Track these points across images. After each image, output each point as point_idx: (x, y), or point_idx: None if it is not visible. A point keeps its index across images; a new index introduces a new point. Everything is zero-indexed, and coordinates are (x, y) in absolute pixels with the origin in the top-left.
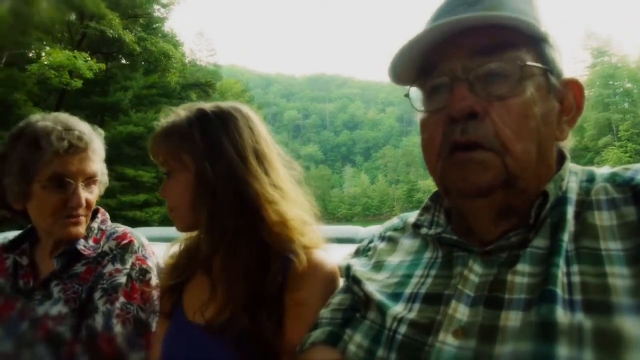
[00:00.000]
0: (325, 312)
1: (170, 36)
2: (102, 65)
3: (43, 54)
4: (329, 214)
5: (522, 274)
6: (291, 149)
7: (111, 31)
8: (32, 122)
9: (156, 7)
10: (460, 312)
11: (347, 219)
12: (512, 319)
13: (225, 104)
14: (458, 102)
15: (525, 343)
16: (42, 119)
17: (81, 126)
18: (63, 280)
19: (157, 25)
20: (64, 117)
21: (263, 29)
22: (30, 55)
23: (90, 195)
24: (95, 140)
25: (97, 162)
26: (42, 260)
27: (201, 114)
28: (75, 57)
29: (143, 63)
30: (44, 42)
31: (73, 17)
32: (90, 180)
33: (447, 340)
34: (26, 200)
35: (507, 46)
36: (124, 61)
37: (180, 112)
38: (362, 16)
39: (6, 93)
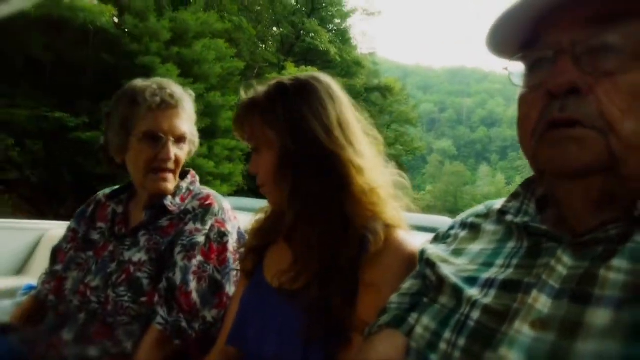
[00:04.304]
0: (393, 297)
1: (348, 38)
2: None
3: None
4: (460, 211)
5: (617, 270)
6: (425, 142)
7: (322, 45)
8: (133, 83)
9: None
10: (542, 303)
11: None
12: (600, 316)
13: (303, 75)
14: (558, 76)
15: (612, 343)
16: (142, 81)
17: (173, 87)
18: (149, 231)
19: (348, 37)
20: (160, 79)
21: (403, 18)
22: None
23: (179, 151)
24: (186, 101)
25: (186, 121)
26: (135, 211)
27: (281, 88)
28: (307, 70)
29: (338, 69)
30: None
31: (287, 33)
32: (180, 138)
33: (523, 330)
34: (124, 153)
35: (623, 16)
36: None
37: (259, 88)
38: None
39: None
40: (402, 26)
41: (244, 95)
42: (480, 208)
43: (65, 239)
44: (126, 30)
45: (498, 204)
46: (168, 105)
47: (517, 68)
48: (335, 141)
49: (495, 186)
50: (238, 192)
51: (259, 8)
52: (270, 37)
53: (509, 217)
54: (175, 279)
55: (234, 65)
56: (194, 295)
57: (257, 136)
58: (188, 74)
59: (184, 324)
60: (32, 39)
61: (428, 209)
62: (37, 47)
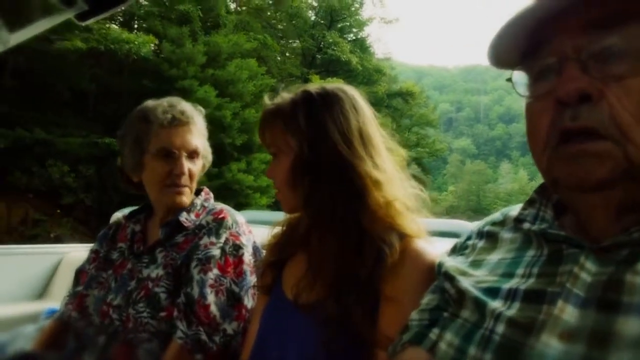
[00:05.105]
0: (413, 314)
1: (367, 47)
2: None
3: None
4: (484, 210)
5: None
6: (444, 142)
7: (344, 56)
8: (144, 104)
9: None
10: (568, 313)
11: None
12: (631, 325)
13: (330, 86)
14: (567, 83)
15: None
16: (153, 101)
17: (184, 104)
18: (166, 248)
19: (367, 45)
20: (170, 98)
21: (414, 21)
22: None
23: (193, 166)
24: (197, 117)
25: (198, 137)
26: (152, 229)
27: (306, 96)
28: (332, 81)
29: (360, 78)
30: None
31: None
32: (193, 153)
33: (551, 343)
34: (140, 171)
35: (627, 17)
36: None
37: (285, 95)
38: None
39: None
40: (413, 28)
41: (267, 101)
42: (496, 215)
43: (88, 260)
44: (164, 56)
45: (514, 210)
46: (179, 122)
47: (520, 78)
48: (354, 152)
49: (518, 183)
50: (276, 203)
51: (281, 24)
52: (291, 51)
53: (526, 225)
54: (193, 293)
55: (266, 82)
56: (213, 308)
57: (277, 142)
58: (224, 93)
59: (203, 337)
60: (79, 71)
61: (451, 209)
62: (83, 79)
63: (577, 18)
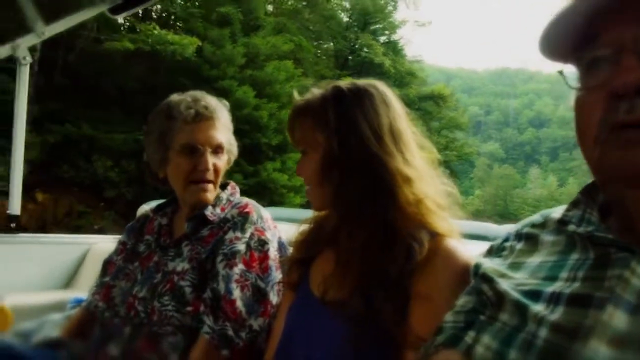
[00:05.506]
0: (448, 316)
1: (400, 49)
2: None
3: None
4: (511, 215)
5: None
6: (473, 146)
7: (377, 58)
8: (169, 99)
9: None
10: (618, 319)
11: None
12: None
13: (361, 81)
14: (624, 74)
15: None
16: (177, 95)
17: (208, 98)
18: (191, 241)
19: (401, 48)
20: (194, 92)
21: (443, 23)
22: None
23: (218, 161)
24: (222, 111)
25: (223, 132)
26: (178, 223)
27: (336, 92)
28: None
29: (392, 80)
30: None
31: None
32: (217, 148)
33: (600, 349)
34: (165, 167)
35: None
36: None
37: (315, 91)
38: (552, 3)
39: None
40: (441, 30)
41: (297, 97)
42: (536, 217)
43: (115, 251)
44: (205, 57)
45: (556, 212)
46: (203, 117)
47: (571, 70)
48: (384, 148)
49: (547, 189)
50: (309, 203)
51: (315, 26)
52: (324, 53)
53: (571, 227)
54: (219, 288)
55: (302, 84)
56: (239, 304)
57: (307, 138)
58: (261, 94)
59: (230, 332)
60: (125, 71)
61: (477, 214)
62: (129, 78)
63: (636, 8)
